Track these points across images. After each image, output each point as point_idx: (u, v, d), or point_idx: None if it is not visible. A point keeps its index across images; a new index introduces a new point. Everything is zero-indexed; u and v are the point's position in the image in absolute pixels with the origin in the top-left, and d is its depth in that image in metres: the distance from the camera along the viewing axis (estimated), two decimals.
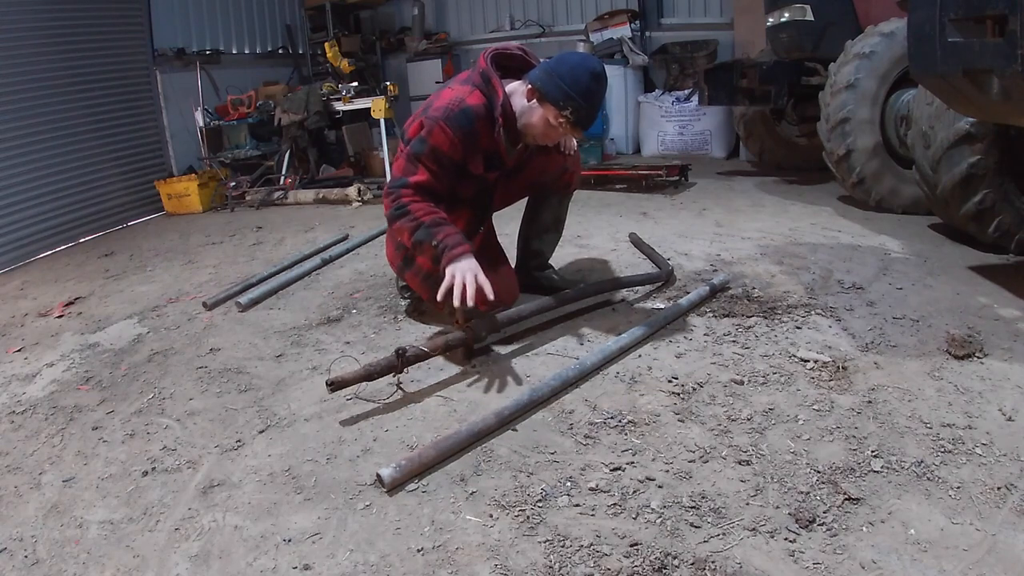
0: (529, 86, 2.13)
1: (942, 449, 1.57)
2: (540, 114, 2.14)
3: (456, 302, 2.02)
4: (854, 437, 1.64)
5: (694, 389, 1.92)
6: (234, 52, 6.81)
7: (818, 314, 2.37)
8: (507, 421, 1.79)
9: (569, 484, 1.54)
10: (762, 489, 1.48)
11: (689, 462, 1.60)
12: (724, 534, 1.35)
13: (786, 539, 1.33)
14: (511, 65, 2.30)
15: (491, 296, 2.04)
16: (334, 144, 6.64)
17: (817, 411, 1.77)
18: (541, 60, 2.37)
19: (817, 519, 1.37)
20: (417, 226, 2.12)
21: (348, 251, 3.72)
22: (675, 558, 1.30)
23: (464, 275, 2.03)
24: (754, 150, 5.36)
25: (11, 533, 1.56)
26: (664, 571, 1.27)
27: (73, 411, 2.16)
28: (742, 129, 5.31)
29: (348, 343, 2.45)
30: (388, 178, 5.39)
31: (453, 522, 1.45)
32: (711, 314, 2.44)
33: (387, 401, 1.98)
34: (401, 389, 2.01)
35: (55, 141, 4.96)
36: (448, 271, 2.06)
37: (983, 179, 2.77)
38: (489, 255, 2.57)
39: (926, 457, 1.54)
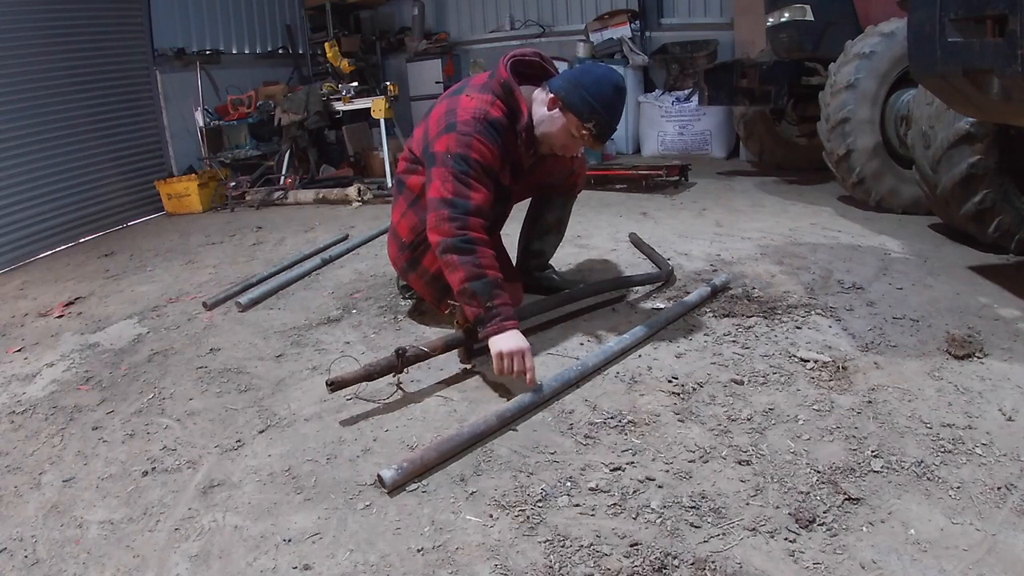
0: (551, 95, 2.11)
1: (942, 449, 1.57)
2: (562, 124, 2.11)
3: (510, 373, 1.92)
4: (854, 437, 1.64)
5: (694, 389, 1.92)
6: (234, 52, 6.81)
7: (818, 314, 2.37)
8: (508, 421, 1.79)
9: (569, 484, 1.54)
10: (762, 489, 1.48)
11: (689, 462, 1.60)
12: (724, 534, 1.35)
13: (786, 539, 1.33)
14: (528, 72, 2.26)
15: (534, 380, 1.90)
16: (334, 144, 6.64)
17: (817, 411, 1.77)
18: (558, 67, 2.35)
19: (817, 519, 1.37)
20: (479, 275, 1.96)
21: (348, 251, 3.72)
22: (675, 558, 1.30)
23: (519, 359, 1.90)
24: (754, 150, 5.36)
25: (11, 533, 1.56)
26: (664, 571, 1.27)
27: (73, 411, 2.16)
28: (742, 129, 5.31)
29: (348, 343, 2.45)
30: (389, 177, 5.45)
31: (453, 522, 1.45)
32: (711, 314, 2.44)
33: (387, 401, 1.98)
34: (401, 389, 2.01)
35: (55, 141, 4.96)
36: (502, 344, 1.91)
37: (983, 179, 2.77)
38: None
39: (926, 457, 1.54)
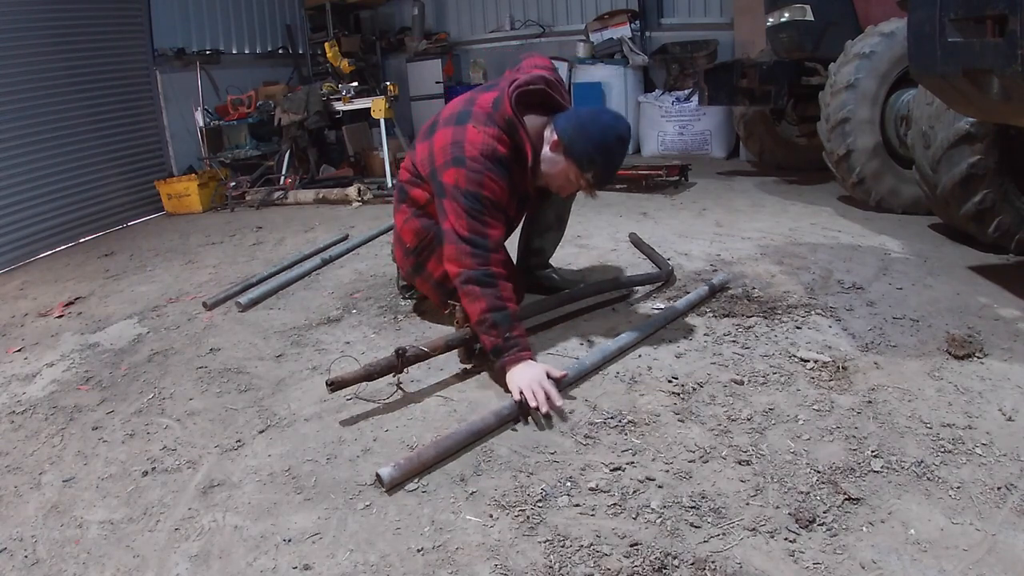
0: (555, 137, 2.10)
1: (942, 449, 1.57)
2: (562, 168, 2.12)
3: (537, 407, 1.83)
4: (854, 437, 1.64)
5: (694, 389, 1.92)
6: (234, 52, 6.81)
7: (818, 314, 2.37)
8: (507, 421, 1.79)
9: (569, 484, 1.54)
10: (762, 489, 1.48)
11: (689, 462, 1.60)
12: (724, 534, 1.35)
13: (786, 539, 1.33)
14: (532, 101, 2.20)
15: (558, 402, 1.85)
16: (334, 144, 6.64)
17: (817, 411, 1.77)
18: (559, 67, 2.34)
19: (817, 519, 1.37)
20: (501, 307, 1.98)
21: (348, 251, 3.71)
22: (675, 558, 1.30)
23: (533, 386, 1.84)
24: (754, 150, 5.36)
25: (11, 533, 1.56)
26: (664, 571, 1.27)
27: (73, 411, 2.16)
28: (742, 129, 5.31)
29: (348, 343, 2.45)
30: (389, 178, 5.44)
31: (453, 522, 1.45)
32: (711, 314, 2.44)
33: (387, 401, 1.98)
34: (401, 389, 2.01)
35: (55, 141, 4.96)
36: (519, 377, 1.88)
37: (983, 179, 2.77)
38: None
39: (926, 457, 1.54)
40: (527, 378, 1.87)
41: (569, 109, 2.23)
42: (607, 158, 2.09)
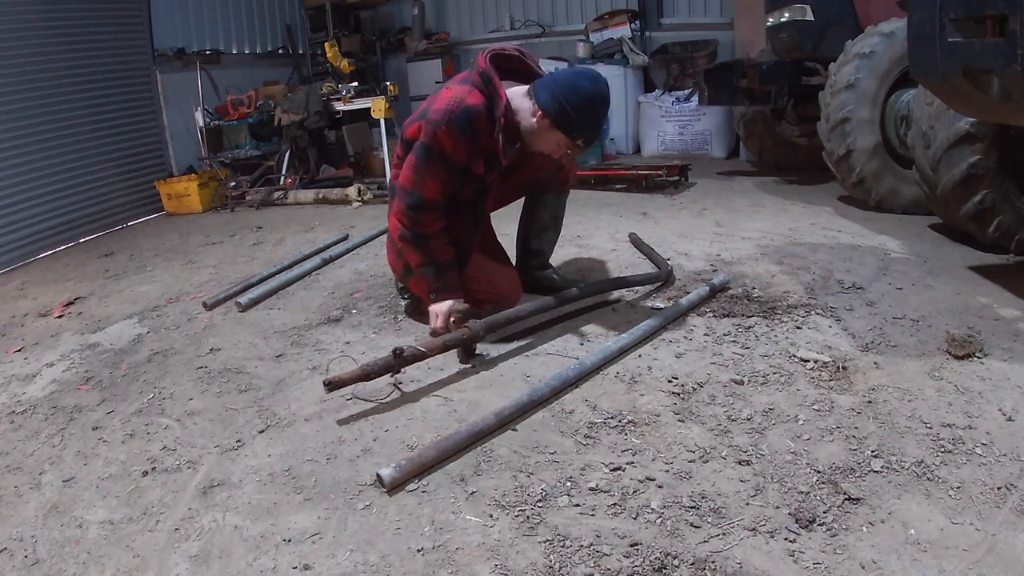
0: (540, 111, 2.14)
1: (942, 449, 1.57)
2: (550, 137, 2.20)
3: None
4: (854, 437, 1.64)
5: (694, 389, 1.92)
6: (234, 52, 6.81)
7: (818, 314, 2.37)
8: (507, 421, 1.79)
9: (569, 484, 1.54)
10: (762, 489, 1.48)
11: (689, 462, 1.60)
12: (724, 534, 1.35)
13: (786, 539, 1.33)
14: (509, 67, 2.30)
15: (438, 324, 2.30)
16: (334, 144, 6.64)
17: (817, 411, 1.77)
18: (539, 61, 2.40)
19: (817, 519, 1.37)
20: (429, 261, 2.30)
21: (348, 251, 3.72)
22: (675, 558, 1.30)
23: (439, 313, 2.31)
24: (754, 150, 5.36)
25: (11, 533, 1.56)
26: (664, 571, 1.27)
27: (73, 411, 2.16)
28: (742, 129, 5.31)
29: (348, 343, 2.45)
30: (388, 177, 5.44)
31: (453, 522, 1.45)
32: (711, 314, 2.44)
33: (387, 401, 1.98)
34: (399, 389, 2.01)
35: (55, 141, 4.96)
36: (433, 308, 2.33)
37: (983, 179, 2.77)
38: (491, 254, 2.59)
39: (926, 457, 1.54)
40: (436, 309, 2.32)
41: (545, 76, 2.27)
42: (594, 122, 2.20)
